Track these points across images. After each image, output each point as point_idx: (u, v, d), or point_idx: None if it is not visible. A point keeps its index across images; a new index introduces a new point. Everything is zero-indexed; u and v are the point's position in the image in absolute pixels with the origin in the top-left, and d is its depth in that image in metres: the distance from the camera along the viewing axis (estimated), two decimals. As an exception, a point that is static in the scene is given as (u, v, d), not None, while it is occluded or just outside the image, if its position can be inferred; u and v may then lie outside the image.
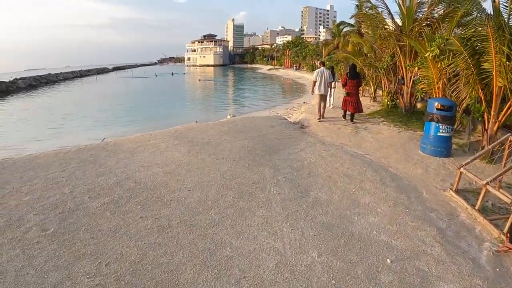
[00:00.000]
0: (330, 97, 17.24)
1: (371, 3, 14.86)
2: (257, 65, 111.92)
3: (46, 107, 29.79)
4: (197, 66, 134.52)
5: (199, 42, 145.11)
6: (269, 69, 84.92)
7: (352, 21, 45.99)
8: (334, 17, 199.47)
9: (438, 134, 8.93)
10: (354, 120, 13.25)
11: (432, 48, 10.36)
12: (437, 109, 8.91)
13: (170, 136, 11.19)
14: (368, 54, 19.30)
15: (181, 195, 6.43)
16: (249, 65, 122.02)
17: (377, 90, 20.34)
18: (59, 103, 33.33)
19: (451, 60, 9.79)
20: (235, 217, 5.59)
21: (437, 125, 8.92)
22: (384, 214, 5.74)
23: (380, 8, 14.85)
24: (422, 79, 12.12)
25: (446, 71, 10.46)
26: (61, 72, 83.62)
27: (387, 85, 17.18)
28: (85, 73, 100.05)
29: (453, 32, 11.08)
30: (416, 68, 12.96)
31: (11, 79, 59.24)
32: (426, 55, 10.65)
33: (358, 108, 12.99)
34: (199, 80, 61.46)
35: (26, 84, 58.96)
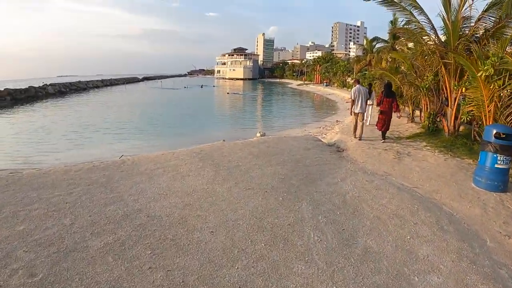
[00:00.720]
0: (367, 114, 16.79)
1: (414, 16, 13.62)
2: (287, 80, 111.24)
3: (70, 115, 29.65)
4: (227, 79, 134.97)
5: (229, 55, 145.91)
6: (299, 84, 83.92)
7: (385, 37, 45.63)
8: (365, 33, 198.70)
9: (496, 166, 7.61)
10: (385, 138, 13.18)
11: (485, 67, 9.10)
12: (495, 137, 7.61)
13: (194, 157, 10.18)
14: (408, 72, 18.03)
15: (201, 237, 5.32)
16: (278, 80, 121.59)
17: (415, 110, 18.99)
18: (83, 111, 33.23)
19: (508, 81, 8.49)
20: (268, 275, 4.42)
21: (494, 155, 7.62)
22: (449, 272, 4.57)
23: (423, 23, 13.61)
24: (469, 101, 10.93)
25: (500, 93, 9.14)
26: (91, 80, 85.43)
27: (428, 106, 15.85)
28: (115, 82, 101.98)
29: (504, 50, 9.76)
30: (464, 89, 11.80)
31: (42, 84, 60.55)
32: (478, 74, 9.39)
33: (388, 126, 12.93)
34: (228, 93, 60.97)
35: (55, 90, 60.12)
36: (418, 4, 13.31)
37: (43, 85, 59.05)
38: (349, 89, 49.01)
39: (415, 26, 14.00)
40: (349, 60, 73.94)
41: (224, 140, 13.82)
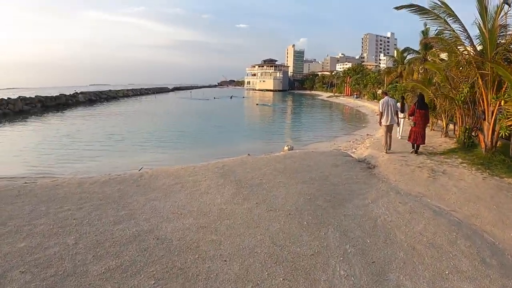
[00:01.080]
0: (398, 127, 16.82)
1: (448, 24, 12.84)
2: (317, 92, 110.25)
3: (96, 124, 29.92)
4: (257, 90, 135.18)
5: (259, 66, 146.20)
6: (328, 96, 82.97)
7: (416, 48, 44.48)
8: (395, 44, 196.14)
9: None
10: (417, 152, 12.85)
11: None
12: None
13: (215, 173, 9.67)
14: (442, 84, 17.14)
15: (213, 267, 4.75)
16: (308, 91, 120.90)
17: (449, 124, 17.99)
18: (110, 120, 33.56)
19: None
20: (287, 319, 3.80)
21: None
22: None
23: (458, 31, 12.84)
24: (508, 114, 10.30)
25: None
26: (121, 90, 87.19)
27: (463, 120, 14.92)
28: (145, 91, 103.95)
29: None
30: (502, 101, 11.04)
31: (73, 92, 62.10)
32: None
33: (423, 139, 12.58)
34: (257, 104, 60.58)
35: (86, 98, 61.59)
36: (453, 12, 12.59)
37: (74, 93, 60.64)
38: (379, 102, 47.83)
39: (449, 35, 13.27)
40: (380, 71, 72.46)
41: (249, 154, 13.29)
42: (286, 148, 17.54)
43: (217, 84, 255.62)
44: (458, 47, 13.26)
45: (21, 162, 15.34)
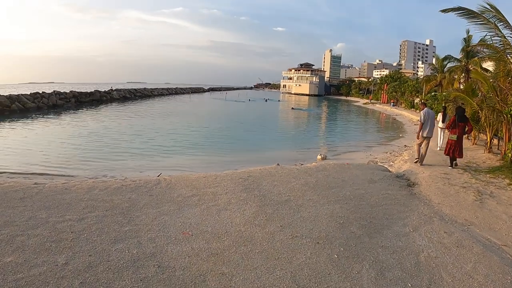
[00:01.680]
0: (439, 138, 17.02)
1: (499, 30, 11.69)
2: (353, 98, 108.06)
3: (126, 122, 29.86)
4: (292, 94, 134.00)
5: (295, 70, 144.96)
6: (365, 103, 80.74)
7: (456, 56, 42.70)
8: (434, 52, 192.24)
9: None
10: (454, 166, 12.47)
11: None
12: None
13: (239, 185, 8.84)
14: (488, 95, 15.85)
15: (219, 312, 3.90)
16: (344, 97, 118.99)
17: (493, 138, 16.59)
18: (140, 119, 33.54)
19: None
20: None
21: None
22: None
23: (509, 37, 11.74)
24: None
25: None
26: (156, 88, 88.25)
27: (511, 135, 13.68)
28: (180, 91, 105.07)
29: None
30: None
31: (109, 89, 63.25)
32: None
33: (460, 152, 12.21)
34: (292, 108, 59.52)
35: (120, 95, 62.59)
36: (504, 17, 11.56)
37: (109, 90, 61.59)
38: (417, 110, 46.84)
39: (499, 41, 12.14)
40: (418, 79, 70.09)
41: (278, 164, 12.39)
42: (319, 157, 16.78)
43: (252, 86, 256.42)
44: (508, 55, 12.22)
45: (42, 158, 15.15)
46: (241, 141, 22.92)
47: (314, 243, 5.64)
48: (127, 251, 5.11)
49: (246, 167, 13.31)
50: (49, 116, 33.53)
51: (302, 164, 14.44)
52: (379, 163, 14.81)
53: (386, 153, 18.76)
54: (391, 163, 14.94)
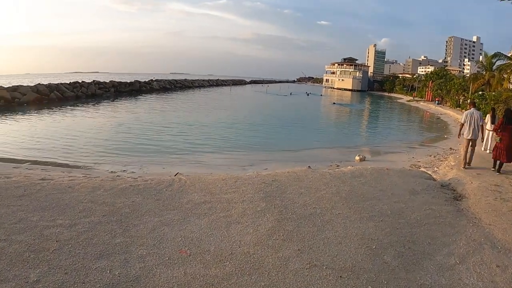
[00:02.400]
0: (482, 141, 16.28)
1: None
2: (397, 95, 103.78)
3: (160, 114, 29.60)
4: (335, 88, 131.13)
5: (339, 64, 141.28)
6: (408, 100, 77.15)
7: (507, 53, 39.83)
8: (481, 49, 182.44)
9: None
10: (500, 171, 11.58)
11: None
12: None
13: (259, 191, 7.84)
14: None
15: None
16: (387, 94, 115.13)
17: None
18: (175, 111, 33.24)
19: None
20: None
21: None
22: None
23: None
24: None
25: None
26: (196, 79, 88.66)
27: None
28: (221, 82, 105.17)
29: None
30: None
31: (150, 79, 63.92)
32: None
33: (508, 158, 11.41)
34: (333, 103, 57.77)
35: (160, 86, 63.10)
36: None
37: (149, 80, 62.18)
38: (463, 110, 43.83)
39: None
40: (464, 77, 66.31)
41: (309, 167, 11.25)
42: (357, 158, 15.77)
43: (295, 80, 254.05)
44: None
45: (65, 148, 14.93)
46: (275, 138, 21.93)
47: (336, 276, 4.56)
48: (108, 272, 4.30)
49: (276, 167, 12.49)
50: (86, 106, 33.98)
51: (338, 166, 13.36)
52: (422, 168, 13.48)
53: (430, 156, 17.25)
54: (436, 168, 13.54)
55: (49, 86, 37.87)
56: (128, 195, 7.14)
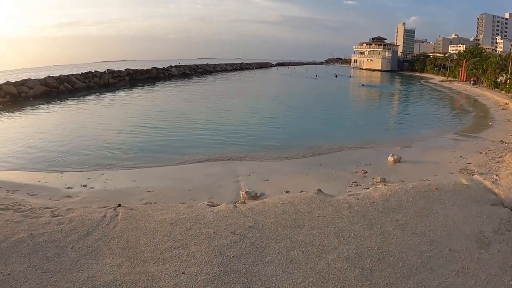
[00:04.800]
0: None
1: None
2: (428, 75, 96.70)
3: (172, 102, 26.80)
4: (363, 69, 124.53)
5: (367, 44, 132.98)
6: (441, 81, 70.91)
7: None
8: None
9: None
10: None
11: None
12: None
13: (217, 256, 4.63)
14: None
15: None
16: (418, 74, 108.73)
17: None
18: (190, 101, 30.34)
19: None
20: None
21: None
22: None
23: None
24: None
25: None
26: (219, 64, 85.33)
27: None
28: (245, 66, 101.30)
29: None
30: None
31: (170, 65, 61.38)
32: None
33: None
34: (362, 85, 53.09)
35: (179, 72, 60.44)
36: None
37: (168, 66, 59.63)
38: (503, 91, 39.24)
39: None
40: (501, 56, 59.93)
41: (319, 191, 7.59)
42: (391, 159, 12.41)
43: (322, 61, 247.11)
44: None
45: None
46: (292, 131, 18.56)
47: None
48: None
49: (278, 183, 9.82)
50: (83, 99, 31.66)
51: (365, 174, 10.11)
52: (476, 175, 9.94)
53: (481, 153, 13.57)
54: (495, 176, 9.91)
55: (59, 78, 36.00)
56: (13, 257, 4.18)
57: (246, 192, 8.66)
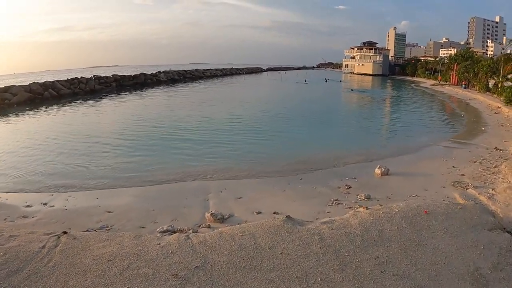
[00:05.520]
0: None
1: None
2: (419, 79, 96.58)
3: (150, 111, 25.68)
4: (355, 74, 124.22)
5: (358, 49, 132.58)
6: (432, 85, 70.56)
7: None
8: (504, 30, 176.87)
9: None
10: None
11: None
12: None
13: None
14: None
15: None
16: (409, 78, 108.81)
17: None
18: (161, 107, 29.22)
19: None
20: None
21: None
22: None
23: None
24: None
25: None
26: (209, 69, 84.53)
27: None
28: (235, 71, 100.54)
29: None
30: None
31: (156, 71, 60.67)
32: None
33: None
34: (351, 90, 52.17)
35: (167, 77, 59.69)
36: None
37: (156, 72, 58.97)
38: (494, 95, 38.91)
39: None
40: (493, 59, 59.71)
41: (288, 218, 6.50)
42: (378, 171, 11.58)
43: (314, 66, 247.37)
44: None
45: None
46: (273, 140, 17.48)
47: None
48: None
49: (248, 203, 8.88)
50: (71, 105, 30.56)
51: (347, 190, 9.19)
52: (471, 189, 9.22)
53: (475, 162, 12.80)
54: (491, 190, 9.09)
55: (44, 85, 35.27)
56: None
57: (211, 214, 7.79)
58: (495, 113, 27.56)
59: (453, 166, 12.26)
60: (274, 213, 8.10)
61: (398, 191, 9.60)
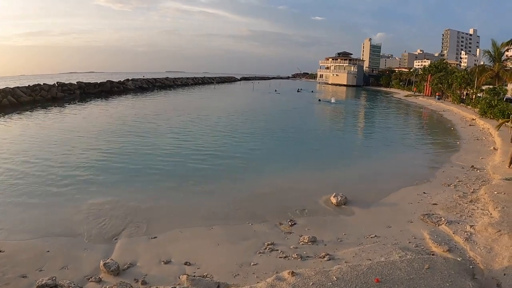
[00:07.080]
0: None
1: None
2: (393, 90, 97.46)
3: (105, 123, 23.32)
4: (329, 84, 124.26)
5: (333, 59, 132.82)
6: (406, 96, 70.50)
7: None
8: (477, 42, 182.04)
9: None
10: None
11: None
12: None
13: None
14: None
15: None
16: (384, 88, 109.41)
17: None
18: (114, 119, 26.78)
19: None
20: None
21: None
22: None
23: None
24: None
25: None
26: (179, 78, 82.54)
27: None
28: (207, 80, 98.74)
29: None
30: None
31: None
32: None
33: None
34: (319, 100, 50.58)
35: (135, 86, 57.61)
36: None
37: (124, 80, 56.83)
38: (468, 106, 38.77)
39: None
40: (466, 70, 59.99)
41: (189, 279, 4.57)
42: (333, 200, 9.87)
43: (289, 76, 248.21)
44: None
45: None
46: (213, 161, 14.57)
47: None
48: None
49: (174, 237, 7.48)
50: (28, 114, 27.75)
51: (292, 225, 8.08)
52: (444, 225, 7.93)
53: (449, 185, 11.46)
54: (468, 226, 7.62)
55: (3, 91, 32.80)
56: None
57: (105, 264, 6.06)
58: (470, 125, 26.82)
59: (424, 192, 10.70)
60: (185, 263, 6.32)
61: (353, 230, 7.85)
